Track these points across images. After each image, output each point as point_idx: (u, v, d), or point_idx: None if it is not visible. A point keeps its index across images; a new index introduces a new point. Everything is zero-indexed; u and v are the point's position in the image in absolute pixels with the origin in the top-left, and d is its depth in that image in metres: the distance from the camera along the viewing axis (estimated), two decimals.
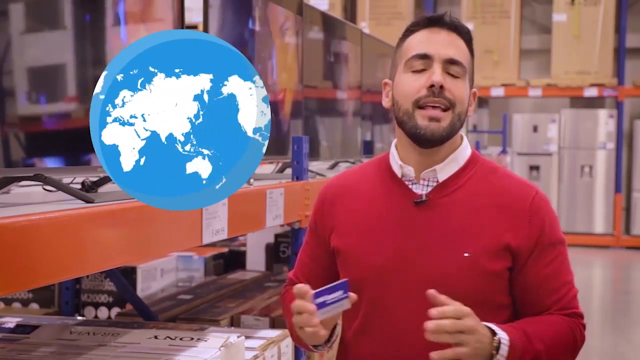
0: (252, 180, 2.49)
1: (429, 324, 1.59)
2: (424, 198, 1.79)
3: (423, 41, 1.79)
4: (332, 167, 3.71)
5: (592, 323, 6.77)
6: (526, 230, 1.76)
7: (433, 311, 1.60)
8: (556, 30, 10.80)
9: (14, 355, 1.94)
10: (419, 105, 1.75)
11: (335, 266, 1.90)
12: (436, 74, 1.73)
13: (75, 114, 1.66)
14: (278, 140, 2.91)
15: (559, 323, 1.77)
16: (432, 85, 1.73)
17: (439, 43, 1.77)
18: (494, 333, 1.66)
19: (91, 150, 1.71)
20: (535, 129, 11.17)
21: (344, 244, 1.85)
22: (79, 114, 1.67)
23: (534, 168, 11.14)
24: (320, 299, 1.66)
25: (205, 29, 2.40)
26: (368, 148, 4.12)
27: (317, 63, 3.36)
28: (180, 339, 2.05)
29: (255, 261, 3.79)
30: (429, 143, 1.77)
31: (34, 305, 3.23)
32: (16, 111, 1.46)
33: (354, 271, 1.83)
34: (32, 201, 1.67)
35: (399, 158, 1.84)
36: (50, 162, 1.58)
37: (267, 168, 3.18)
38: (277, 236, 3.62)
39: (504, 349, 1.65)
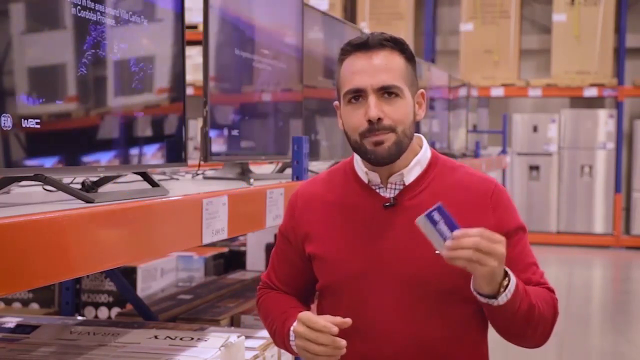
0: (252, 180, 2.50)
1: (465, 239, 1.62)
2: (392, 202, 1.87)
3: (355, 72, 1.83)
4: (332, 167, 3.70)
5: (592, 323, 6.77)
6: (491, 220, 1.84)
7: (473, 230, 1.63)
8: (556, 30, 10.80)
9: (14, 355, 1.94)
10: (364, 137, 1.83)
11: (310, 269, 1.96)
12: (371, 109, 1.80)
13: (75, 114, 1.66)
14: (278, 140, 2.91)
15: (540, 289, 1.86)
16: (370, 120, 1.81)
17: (370, 71, 1.82)
18: (506, 273, 1.72)
19: (91, 150, 1.71)
20: (535, 129, 11.17)
21: (320, 251, 1.92)
22: (79, 114, 1.67)
23: (534, 168, 11.14)
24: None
25: (205, 29, 2.40)
26: None
27: (317, 63, 3.36)
28: (180, 339, 2.05)
29: (255, 261, 3.79)
30: (382, 163, 1.86)
31: (34, 305, 3.23)
32: (16, 111, 1.45)
33: (332, 276, 1.91)
34: (32, 201, 1.67)
35: (363, 165, 1.91)
36: (50, 162, 1.58)
37: (267, 168, 3.18)
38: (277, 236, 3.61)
39: (511, 289, 1.71)
